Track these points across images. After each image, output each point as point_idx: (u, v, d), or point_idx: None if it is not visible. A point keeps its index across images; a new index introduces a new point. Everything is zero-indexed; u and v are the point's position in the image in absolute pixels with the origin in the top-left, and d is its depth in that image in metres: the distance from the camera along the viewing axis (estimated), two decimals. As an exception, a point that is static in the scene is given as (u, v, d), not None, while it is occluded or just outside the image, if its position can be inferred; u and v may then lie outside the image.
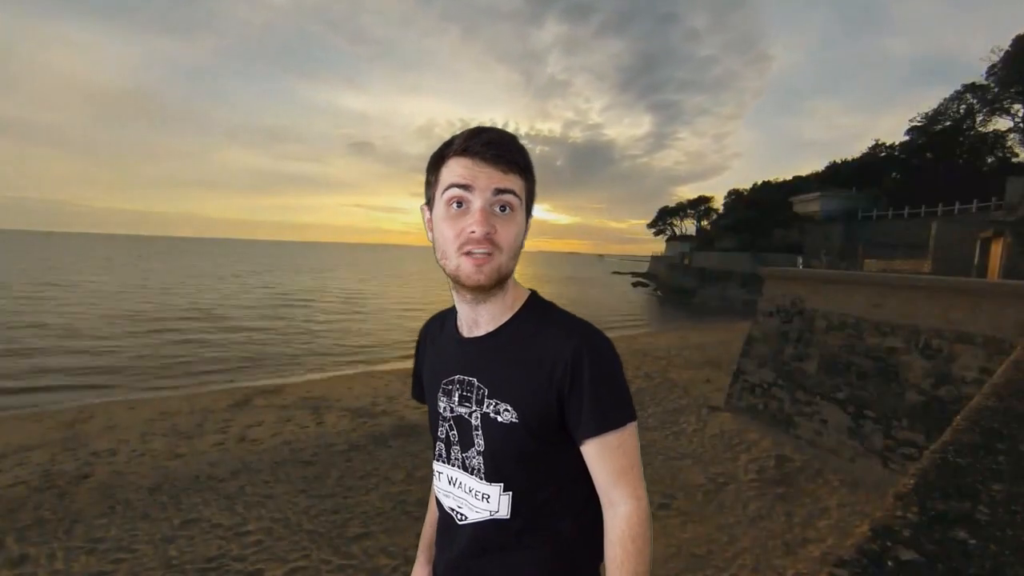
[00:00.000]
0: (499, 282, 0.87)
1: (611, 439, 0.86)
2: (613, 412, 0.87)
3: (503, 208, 0.85)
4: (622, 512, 0.85)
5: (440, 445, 0.99)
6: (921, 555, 0.81)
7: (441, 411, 0.97)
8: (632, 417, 0.89)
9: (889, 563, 0.79)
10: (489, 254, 0.83)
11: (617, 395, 0.88)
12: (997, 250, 13.28)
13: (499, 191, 0.83)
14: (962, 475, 1.16)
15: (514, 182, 0.86)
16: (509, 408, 0.88)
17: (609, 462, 0.87)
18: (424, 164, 0.95)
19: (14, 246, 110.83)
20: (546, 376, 0.87)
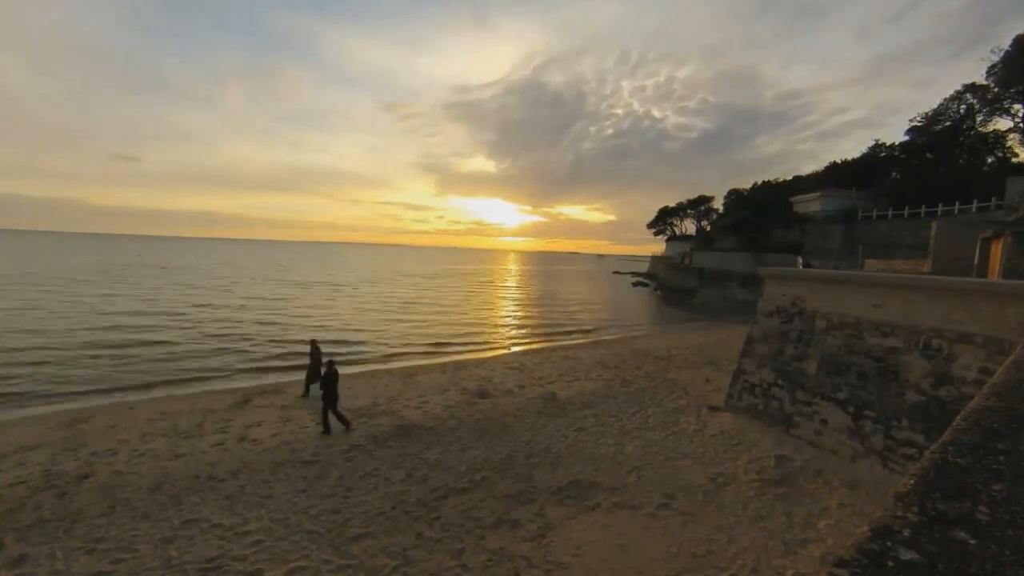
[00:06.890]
0: None
1: None
2: None
3: None
4: None
5: None
6: (921, 555, 0.81)
7: None
8: None
9: (889, 563, 0.79)
10: None
11: None
12: (997, 250, 13.27)
13: None
14: (962, 475, 1.15)
15: None
16: None
17: None
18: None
19: None
20: None
